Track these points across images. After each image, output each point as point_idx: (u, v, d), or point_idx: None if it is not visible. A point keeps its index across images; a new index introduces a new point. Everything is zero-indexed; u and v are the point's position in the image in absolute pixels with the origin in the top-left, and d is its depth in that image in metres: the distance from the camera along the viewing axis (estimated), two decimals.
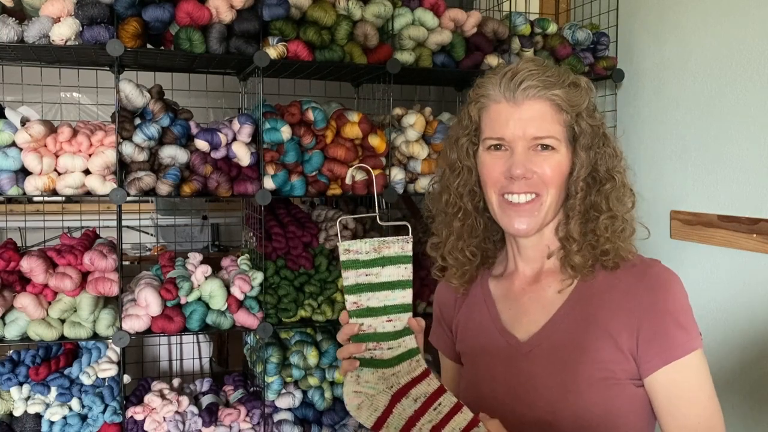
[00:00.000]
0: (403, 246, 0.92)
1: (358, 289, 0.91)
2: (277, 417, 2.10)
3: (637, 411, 1.03)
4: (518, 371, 1.08)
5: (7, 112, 1.87)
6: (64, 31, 1.73)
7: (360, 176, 2.05)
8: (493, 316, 1.15)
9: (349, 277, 0.91)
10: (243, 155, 1.93)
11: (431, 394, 0.92)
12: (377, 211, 0.96)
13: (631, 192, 1.11)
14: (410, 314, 0.94)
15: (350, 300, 0.92)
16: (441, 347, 1.30)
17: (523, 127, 1.05)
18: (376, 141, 2.04)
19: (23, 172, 1.81)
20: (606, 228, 1.06)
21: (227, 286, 1.97)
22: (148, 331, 1.92)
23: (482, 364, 1.15)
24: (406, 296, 0.93)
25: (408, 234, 0.93)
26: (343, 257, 0.91)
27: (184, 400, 2.07)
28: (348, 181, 1.13)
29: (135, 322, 1.88)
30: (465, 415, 0.90)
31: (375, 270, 0.91)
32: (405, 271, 0.93)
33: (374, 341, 0.93)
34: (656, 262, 1.08)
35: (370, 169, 0.97)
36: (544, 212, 1.07)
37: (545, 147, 1.05)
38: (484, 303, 1.18)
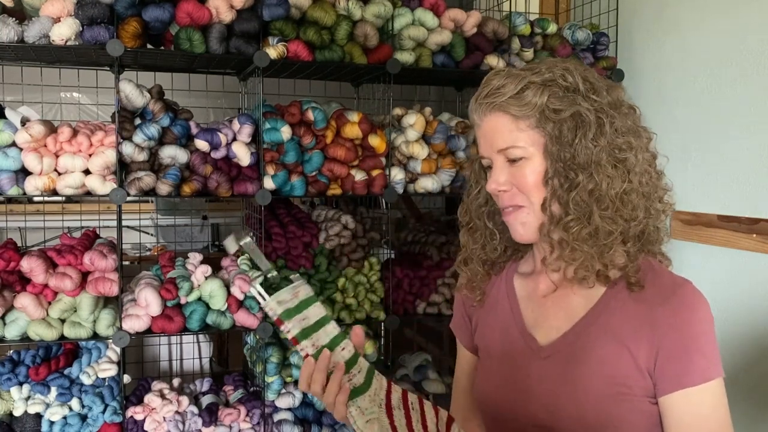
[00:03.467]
0: (305, 289, 1.01)
1: (305, 334, 0.97)
2: (277, 417, 2.10)
3: (648, 427, 1.02)
4: (533, 374, 1.08)
5: (7, 112, 1.87)
6: (64, 31, 1.73)
7: (360, 176, 2.05)
8: (516, 315, 1.15)
9: (293, 327, 0.96)
10: (243, 155, 1.93)
11: (402, 398, 1.00)
12: (263, 270, 1.03)
13: (609, 185, 1.01)
14: (349, 339, 1.01)
15: (308, 344, 0.97)
16: (460, 337, 1.30)
17: (489, 142, 1.06)
18: (376, 141, 2.04)
19: (23, 172, 1.81)
20: (571, 233, 1.01)
21: (227, 286, 1.97)
22: (148, 331, 1.92)
23: (499, 362, 1.15)
24: (335, 327, 1.01)
25: (299, 279, 1.02)
26: (278, 309, 0.96)
27: (184, 400, 2.07)
28: None
29: (135, 322, 1.88)
30: (428, 404, 1.00)
31: (304, 314, 0.98)
32: (321, 308, 1.01)
33: (345, 373, 0.98)
34: (687, 283, 1.05)
35: None
36: (533, 218, 1.06)
37: (515, 157, 1.04)
38: (507, 300, 1.18)
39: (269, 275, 1.03)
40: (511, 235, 1.10)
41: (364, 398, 0.97)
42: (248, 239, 1.07)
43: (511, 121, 1.03)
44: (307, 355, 0.98)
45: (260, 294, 1.00)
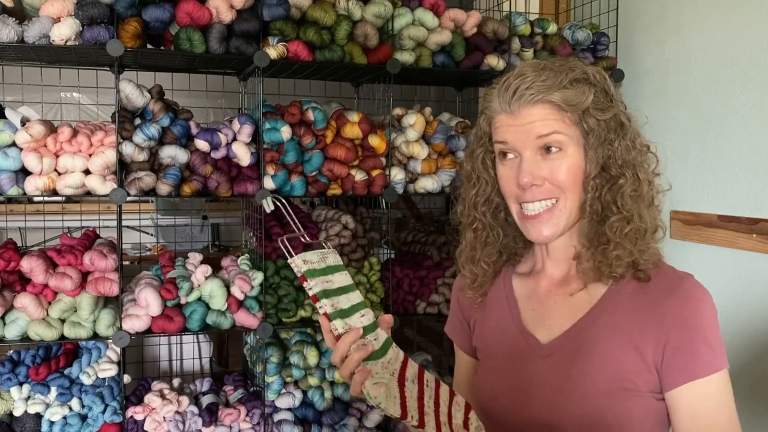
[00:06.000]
0: (335, 257, 1.03)
1: (326, 294, 0.97)
2: (277, 417, 2.10)
3: (652, 424, 1.02)
4: (536, 373, 1.08)
5: (7, 112, 1.87)
6: (64, 31, 1.73)
7: (360, 176, 2.05)
8: (515, 315, 1.15)
9: (315, 285, 0.97)
10: (243, 155, 1.93)
11: (418, 374, 1.00)
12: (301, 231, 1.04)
13: (649, 185, 1.07)
14: (369, 308, 1.02)
15: (327, 303, 0.97)
16: (457, 340, 1.30)
17: (525, 132, 1.03)
18: (376, 141, 2.04)
19: (23, 172, 1.81)
20: (616, 231, 1.03)
21: (227, 286, 1.97)
22: (148, 331, 1.92)
23: (498, 363, 1.15)
24: (359, 296, 1.02)
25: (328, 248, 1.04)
26: (304, 267, 0.97)
27: (184, 400, 2.07)
28: None
29: (135, 322, 1.88)
30: (444, 386, 1.01)
31: (329, 277, 0.99)
32: (347, 277, 1.02)
33: (361, 337, 0.99)
34: (689, 276, 1.06)
35: None
36: (564, 217, 1.05)
37: (552, 148, 1.02)
38: (506, 301, 1.18)
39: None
40: (530, 236, 1.08)
41: (376, 364, 0.97)
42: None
43: (556, 112, 1.02)
44: (324, 314, 0.97)
45: (287, 249, 1.00)
